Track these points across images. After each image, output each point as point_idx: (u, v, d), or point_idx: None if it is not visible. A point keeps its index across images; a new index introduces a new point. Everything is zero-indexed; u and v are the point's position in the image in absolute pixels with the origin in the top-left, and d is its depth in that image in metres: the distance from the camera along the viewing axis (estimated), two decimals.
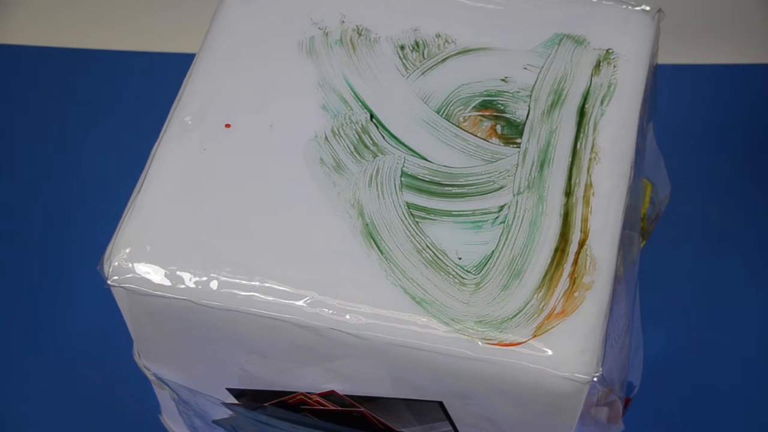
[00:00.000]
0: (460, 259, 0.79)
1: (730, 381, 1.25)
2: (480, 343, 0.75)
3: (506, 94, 0.89)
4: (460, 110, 0.88)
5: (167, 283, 0.79)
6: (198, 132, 0.87)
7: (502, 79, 0.90)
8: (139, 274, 0.80)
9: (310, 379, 0.85)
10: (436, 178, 0.84)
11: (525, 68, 0.91)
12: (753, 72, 1.56)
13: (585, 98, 0.89)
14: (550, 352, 0.75)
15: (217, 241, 0.81)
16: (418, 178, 0.84)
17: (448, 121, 0.88)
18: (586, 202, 0.83)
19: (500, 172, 0.85)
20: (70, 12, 1.65)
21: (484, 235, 0.81)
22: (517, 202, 0.83)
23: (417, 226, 0.81)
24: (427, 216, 0.82)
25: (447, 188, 0.84)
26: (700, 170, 1.40)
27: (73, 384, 1.27)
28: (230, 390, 0.91)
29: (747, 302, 1.32)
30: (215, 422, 0.97)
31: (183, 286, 0.79)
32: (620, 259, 0.83)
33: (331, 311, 0.77)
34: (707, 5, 1.63)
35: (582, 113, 0.88)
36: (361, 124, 0.87)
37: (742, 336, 1.29)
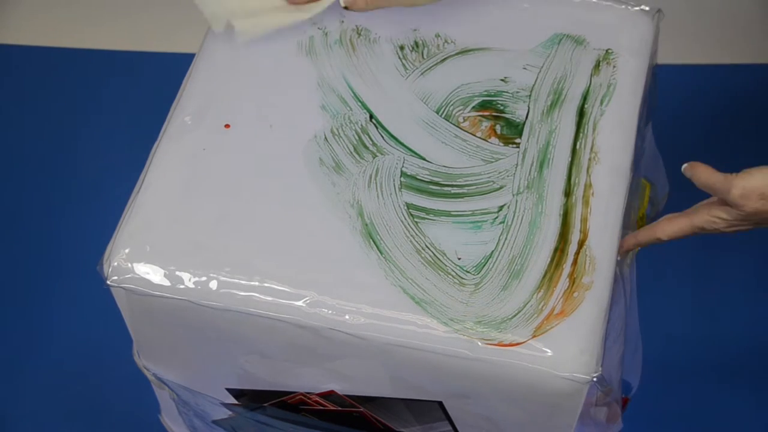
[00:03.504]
0: (459, 259, 0.80)
1: (728, 380, 1.25)
2: (479, 343, 0.75)
3: (506, 94, 0.89)
4: (460, 110, 0.88)
5: (167, 283, 0.79)
6: (198, 132, 0.87)
7: (502, 79, 0.90)
8: (138, 274, 0.80)
9: (309, 380, 0.85)
10: (436, 179, 0.84)
11: (525, 68, 0.91)
12: (753, 72, 1.56)
13: (584, 98, 0.89)
14: (549, 353, 0.75)
15: (217, 241, 0.81)
16: (417, 179, 0.84)
17: (448, 121, 0.88)
18: (586, 202, 0.83)
19: (500, 172, 0.85)
20: (69, 12, 1.65)
21: (483, 235, 0.81)
22: (516, 202, 0.83)
23: (416, 227, 0.81)
24: (426, 216, 0.82)
25: (446, 188, 0.84)
26: None
27: (73, 384, 1.27)
28: (230, 390, 0.91)
29: (745, 302, 1.32)
30: (215, 422, 0.97)
31: (182, 286, 0.79)
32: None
33: (330, 311, 0.77)
34: (707, 5, 1.63)
35: (581, 113, 0.88)
36: (361, 125, 0.87)
37: (741, 336, 1.29)
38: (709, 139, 1.47)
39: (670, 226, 0.80)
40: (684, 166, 0.77)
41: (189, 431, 1.04)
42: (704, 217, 0.78)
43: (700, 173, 0.77)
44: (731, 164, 1.48)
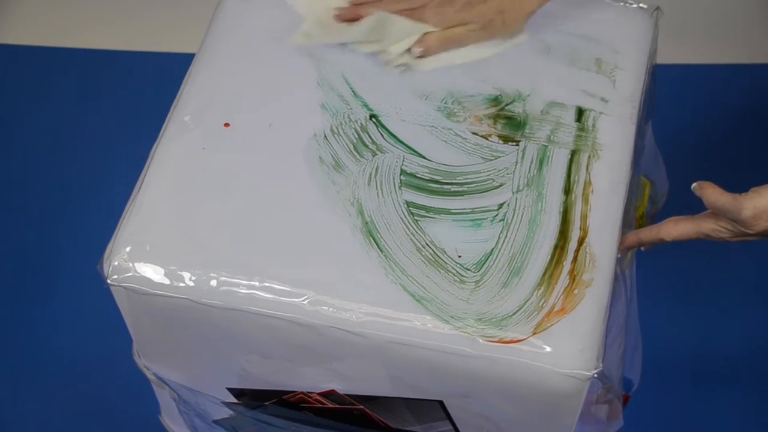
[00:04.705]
0: (459, 257, 0.79)
1: (728, 378, 1.26)
2: (480, 340, 0.75)
3: (505, 92, 0.89)
4: (459, 108, 0.88)
5: (167, 282, 0.79)
6: (197, 131, 0.87)
7: (502, 77, 0.90)
8: (138, 274, 0.80)
9: (310, 379, 0.85)
10: (436, 177, 0.84)
11: (524, 66, 0.91)
12: (753, 72, 1.57)
13: (584, 96, 0.89)
14: (550, 350, 0.75)
15: (217, 240, 0.81)
16: (417, 177, 0.84)
17: (447, 119, 0.88)
18: (585, 199, 0.83)
19: (499, 170, 0.85)
20: (70, 12, 1.65)
21: (483, 233, 0.81)
22: (516, 199, 0.83)
23: (416, 225, 0.81)
24: (426, 214, 0.82)
25: (446, 186, 0.84)
26: (699, 168, 1.40)
27: (73, 384, 1.27)
28: (230, 389, 0.91)
29: (744, 300, 1.32)
30: (215, 422, 0.97)
31: (183, 285, 0.79)
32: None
33: (330, 309, 0.77)
34: (707, 5, 1.63)
35: (581, 111, 0.88)
36: (361, 123, 0.87)
37: (740, 334, 1.29)
38: (709, 138, 1.47)
39: (675, 229, 0.80)
40: (693, 185, 0.78)
41: (189, 431, 1.04)
42: (711, 226, 0.79)
43: (709, 194, 0.77)
44: (730, 162, 1.48)
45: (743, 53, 1.58)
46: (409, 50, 0.88)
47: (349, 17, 0.89)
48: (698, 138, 1.46)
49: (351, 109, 0.88)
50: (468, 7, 0.86)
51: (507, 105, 0.88)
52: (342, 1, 0.91)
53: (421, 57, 0.88)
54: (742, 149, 1.46)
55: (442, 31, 0.87)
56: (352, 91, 0.89)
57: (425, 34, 0.87)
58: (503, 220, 0.81)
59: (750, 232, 0.77)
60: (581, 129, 0.87)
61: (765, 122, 1.50)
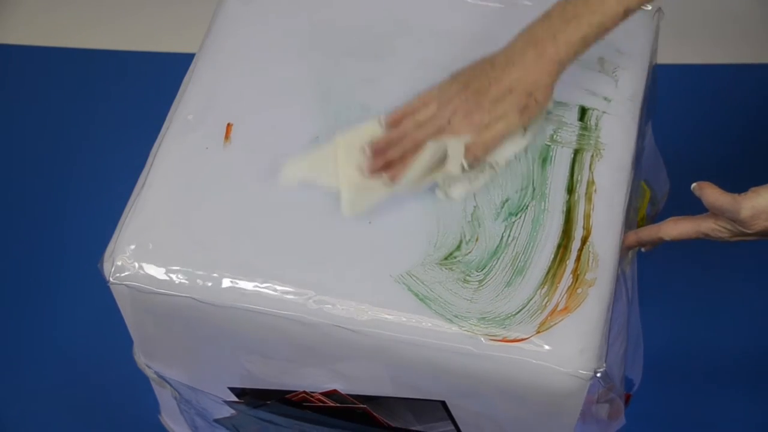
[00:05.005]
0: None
1: (729, 377, 1.26)
2: (483, 339, 0.75)
3: None
4: None
5: (170, 280, 0.79)
6: (200, 131, 0.87)
7: None
8: (141, 273, 0.79)
9: (312, 379, 0.85)
10: None
11: None
12: (753, 72, 1.57)
13: (586, 96, 0.89)
14: (553, 349, 0.75)
15: (220, 239, 0.80)
16: None
17: None
18: (588, 198, 0.83)
19: None
20: (69, 12, 1.65)
21: None
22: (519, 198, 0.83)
23: None
24: None
25: None
26: (699, 168, 1.40)
27: (73, 384, 1.27)
28: (232, 389, 0.91)
29: (745, 299, 1.32)
30: (216, 421, 0.97)
31: (186, 284, 0.79)
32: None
33: (334, 308, 0.77)
34: (707, 5, 1.63)
35: (584, 110, 0.88)
36: (362, 125, 0.87)
37: (741, 332, 1.29)
38: (709, 138, 1.47)
39: (675, 228, 0.80)
40: (693, 186, 0.78)
41: (190, 430, 1.04)
42: (710, 225, 0.79)
43: (708, 195, 0.77)
44: (730, 162, 1.48)
45: (743, 53, 1.58)
46: (463, 168, 0.80)
47: (382, 166, 0.81)
48: (698, 138, 1.46)
49: (354, 109, 0.88)
50: (497, 102, 0.81)
51: None
52: (357, 155, 0.82)
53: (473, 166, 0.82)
54: (742, 149, 1.46)
55: (483, 134, 0.81)
56: (355, 92, 0.89)
57: (468, 144, 0.80)
58: (506, 219, 0.81)
59: (749, 231, 0.77)
60: (584, 128, 0.87)
61: (765, 122, 1.50)
